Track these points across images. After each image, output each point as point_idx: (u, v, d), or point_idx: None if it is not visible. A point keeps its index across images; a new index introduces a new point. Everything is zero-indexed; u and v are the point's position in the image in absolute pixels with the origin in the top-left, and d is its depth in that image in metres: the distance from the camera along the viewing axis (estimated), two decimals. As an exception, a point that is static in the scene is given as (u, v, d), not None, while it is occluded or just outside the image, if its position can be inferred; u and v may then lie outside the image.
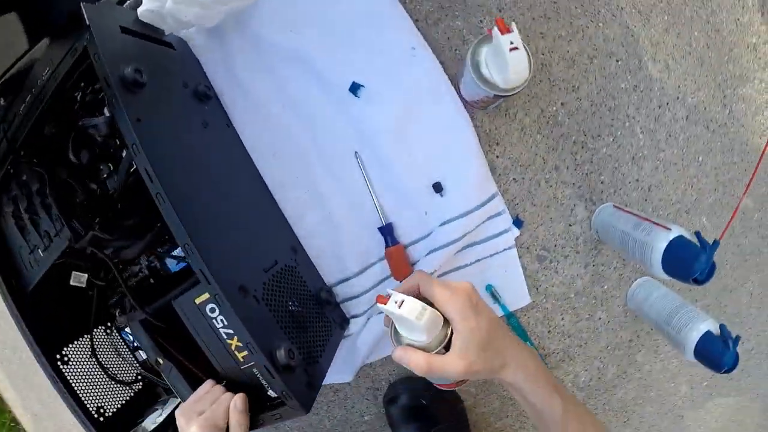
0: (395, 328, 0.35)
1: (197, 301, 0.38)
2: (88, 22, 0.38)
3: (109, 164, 0.46)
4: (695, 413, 0.73)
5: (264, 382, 0.40)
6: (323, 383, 0.54)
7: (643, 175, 0.59)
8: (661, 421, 0.73)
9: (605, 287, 0.61)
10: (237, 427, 0.40)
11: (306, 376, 0.42)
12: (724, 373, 0.45)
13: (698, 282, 0.41)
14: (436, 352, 0.33)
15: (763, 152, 0.58)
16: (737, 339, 0.44)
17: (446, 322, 0.34)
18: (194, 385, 0.48)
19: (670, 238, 0.43)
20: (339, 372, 0.62)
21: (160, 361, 0.51)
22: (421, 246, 0.55)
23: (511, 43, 0.40)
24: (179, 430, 0.44)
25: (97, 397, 0.58)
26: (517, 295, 0.58)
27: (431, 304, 0.33)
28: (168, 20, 0.45)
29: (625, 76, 0.57)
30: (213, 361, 0.42)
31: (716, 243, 0.40)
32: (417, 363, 0.32)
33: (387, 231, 0.54)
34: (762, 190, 0.65)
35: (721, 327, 0.46)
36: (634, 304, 0.60)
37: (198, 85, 0.54)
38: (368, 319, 0.58)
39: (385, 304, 0.32)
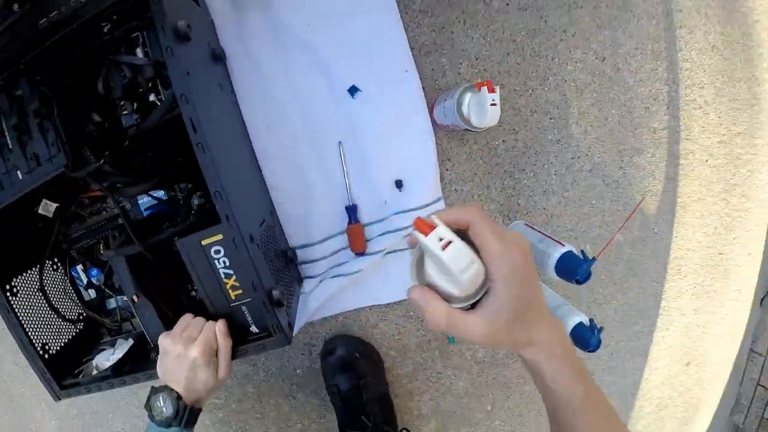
0: (420, 259, 0.30)
1: (203, 242, 0.46)
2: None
3: (133, 103, 0.49)
4: None
5: (249, 319, 0.49)
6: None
7: (549, 206, 0.77)
8: (534, 402, 0.92)
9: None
10: (224, 349, 0.48)
11: (287, 316, 0.51)
12: (590, 352, 0.60)
13: (579, 282, 0.56)
14: (459, 306, 0.29)
15: (636, 207, 0.79)
16: (601, 329, 0.61)
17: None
18: (165, 322, 0.53)
19: (563, 251, 0.59)
20: (302, 318, 0.72)
21: (136, 298, 0.55)
22: (376, 227, 0.68)
23: (493, 100, 0.53)
24: (165, 354, 0.49)
25: (43, 333, 0.58)
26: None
27: (473, 247, 0.28)
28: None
29: (553, 130, 0.74)
30: (206, 297, 0.49)
31: (594, 259, 0.57)
32: (434, 315, 0.29)
33: (352, 210, 0.66)
34: (635, 234, 0.85)
35: (590, 320, 0.63)
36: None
37: (215, 46, 0.58)
38: (320, 281, 0.69)
39: (426, 234, 0.27)
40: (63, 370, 0.59)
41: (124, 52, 0.49)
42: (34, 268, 0.60)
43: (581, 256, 0.57)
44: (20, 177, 0.48)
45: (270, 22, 0.62)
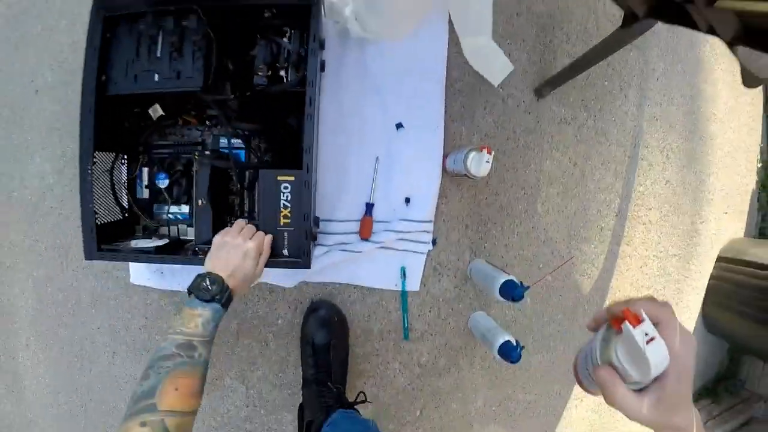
0: (607, 337, 0.34)
1: (279, 178, 0.69)
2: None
3: (268, 71, 0.72)
4: (481, 427, 1.10)
5: (285, 243, 0.70)
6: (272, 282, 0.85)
7: (507, 256, 1.01)
8: (454, 423, 1.08)
9: (460, 306, 1.00)
10: (266, 255, 0.65)
11: (313, 249, 0.72)
12: (512, 363, 0.80)
13: (515, 300, 0.78)
14: (630, 387, 0.33)
15: (564, 263, 1.03)
16: (523, 346, 0.81)
17: None
18: (213, 229, 0.73)
19: (507, 278, 0.81)
20: (287, 277, 0.92)
21: (201, 202, 0.76)
22: (381, 225, 0.91)
23: (488, 160, 0.79)
24: (221, 246, 0.63)
25: (98, 204, 0.70)
26: (413, 282, 0.95)
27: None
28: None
29: (524, 202, 1.00)
30: (262, 218, 0.70)
31: (528, 287, 0.78)
32: (614, 395, 0.33)
33: (370, 206, 0.90)
34: (560, 283, 1.07)
35: (516, 341, 0.83)
36: (471, 323, 0.99)
37: (323, 36, 0.81)
38: (328, 251, 0.90)
39: (634, 326, 0.31)
40: (102, 238, 0.72)
41: (274, 35, 0.75)
42: (112, 153, 0.75)
43: (519, 283, 0.80)
44: (156, 79, 0.67)
45: (359, 61, 0.90)
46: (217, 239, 0.67)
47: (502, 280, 0.82)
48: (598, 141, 1.07)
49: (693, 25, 0.57)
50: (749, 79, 0.68)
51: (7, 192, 0.97)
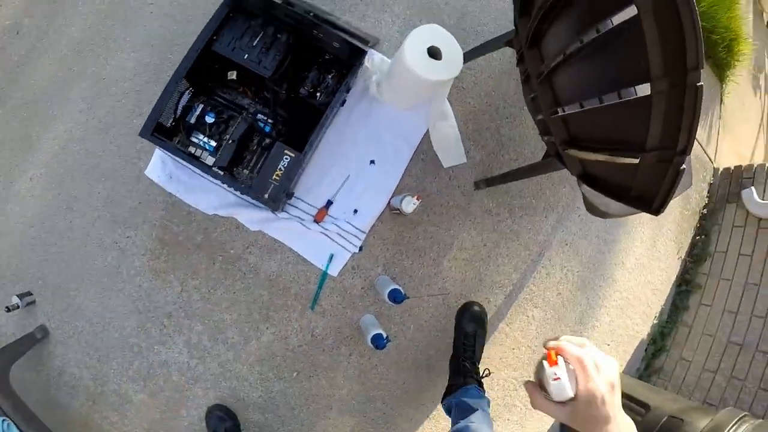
0: (542, 368, 0.46)
1: (285, 151, 1.06)
2: (366, 63, 1.12)
3: (310, 87, 1.14)
4: (339, 413, 1.35)
5: (269, 192, 1.05)
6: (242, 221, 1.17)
7: (408, 282, 1.34)
8: (321, 396, 1.33)
9: (359, 303, 1.31)
10: None
11: (284, 204, 1.06)
12: (379, 349, 1.09)
13: (396, 302, 1.10)
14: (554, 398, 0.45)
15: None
16: (389, 340, 1.12)
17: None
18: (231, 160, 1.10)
19: (394, 287, 1.15)
20: (254, 222, 1.23)
21: (232, 141, 1.12)
22: (331, 219, 1.25)
23: (415, 204, 1.17)
24: None
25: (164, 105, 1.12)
26: (334, 269, 1.27)
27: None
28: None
29: (436, 253, 1.36)
30: (263, 170, 1.06)
31: (408, 297, 1.12)
32: (534, 401, 0.47)
33: (329, 203, 1.25)
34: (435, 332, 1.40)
35: (387, 336, 1.14)
36: (362, 320, 1.29)
37: (351, 85, 1.23)
38: (289, 218, 1.23)
39: (550, 365, 0.45)
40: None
41: (324, 71, 1.16)
42: (188, 84, 1.11)
43: (403, 292, 1.14)
44: (244, 57, 1.06)
45: (366, 110, 1.29)
46: None
47: (394, 287, 1.15)
48: (510, 238, 1.40)
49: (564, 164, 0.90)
50: (593, 211, 1.01)
51: (91, 66, 1.29)
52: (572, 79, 0.79)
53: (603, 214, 1.04)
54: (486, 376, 1.24)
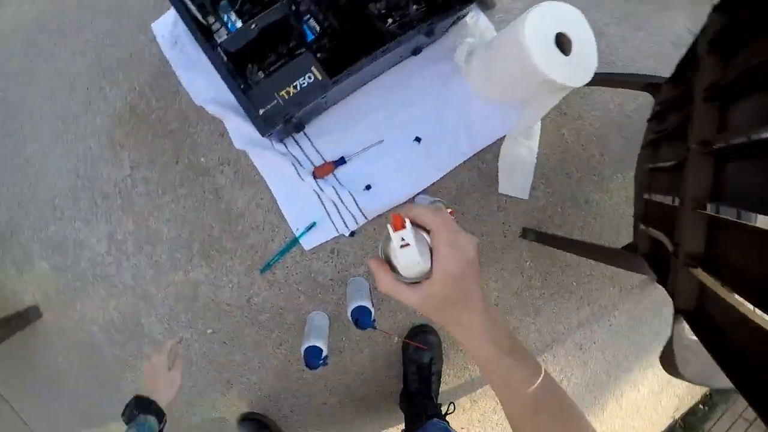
0: (389, 237, 0.36)
1: (312, 67, 0.79)
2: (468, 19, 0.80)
3: (389, 10, 0.84)
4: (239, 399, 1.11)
5: (269, 107, 0.78)
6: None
7: (389, 302, 1.04)
8: (234, 368, 1.08)
9: (319, 294, 1.03)
10: (180, 362, 0.80)
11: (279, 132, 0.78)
12: (312, 368, 0.84)
13: (358, 326, 0.84)
14: (404, 281, 0.36)
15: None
16: (326, 356, 0.86)
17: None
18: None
19: (363, 304, 0.86)
20: (239, 139, 0.97)
21: (256, 25, 0.82)
22: (333, 180, 0.96)
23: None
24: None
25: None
26: (309, 241, 0.99)
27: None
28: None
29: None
30: (275, 77, 0.79)
31: (375, 323, 0.83)
32: (381, 282, 0.36)
33: (341, 160, 0.95)
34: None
35: (324, 353, 0.87)
36: (310, 315, 1.01)
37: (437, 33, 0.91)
38: (285, 153, 0.95)
39: (395, 230, 0.34)
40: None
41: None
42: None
43: (371, 317, 0.85)
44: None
45: (441, 75, 0.98)
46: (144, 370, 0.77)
47: (364, 303, 0.86)
48: (528, 312, 1.11)
49: (664, 280, 0.59)
50: (667, 361, 0.67)
51: None
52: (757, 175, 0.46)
53: (672, 371, 0.68)
54: (451, 413, 0.99)
